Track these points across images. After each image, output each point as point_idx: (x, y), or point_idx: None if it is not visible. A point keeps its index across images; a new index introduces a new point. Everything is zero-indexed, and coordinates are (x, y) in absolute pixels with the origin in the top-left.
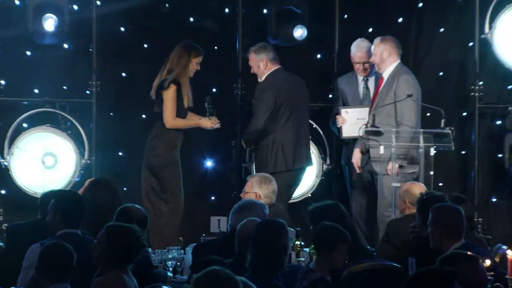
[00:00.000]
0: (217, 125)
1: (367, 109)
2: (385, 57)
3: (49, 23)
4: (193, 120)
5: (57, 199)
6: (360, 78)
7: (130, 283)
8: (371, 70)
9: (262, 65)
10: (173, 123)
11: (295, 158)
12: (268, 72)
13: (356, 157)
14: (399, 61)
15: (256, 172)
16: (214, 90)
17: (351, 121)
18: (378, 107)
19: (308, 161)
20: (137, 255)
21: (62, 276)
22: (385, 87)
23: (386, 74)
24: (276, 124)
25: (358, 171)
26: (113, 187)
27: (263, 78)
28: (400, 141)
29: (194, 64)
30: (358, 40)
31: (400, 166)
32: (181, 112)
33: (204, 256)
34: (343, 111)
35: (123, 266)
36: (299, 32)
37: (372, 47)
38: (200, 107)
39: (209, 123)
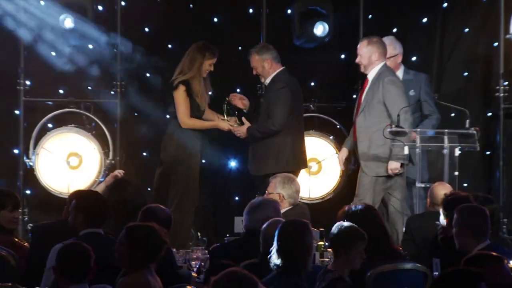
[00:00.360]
0: (236, 127)
1: None
2: (374, 60)
3: (68, 22)
4: (210, 122)
5: (78, 200)
6: None
7: (154, 283)
8: (394, 68)
9: (267, 65)
10: (189, 123)
11: (296, 160)
12: (276, 72)
13: (342, 155)
14: (384, 62)
15: (256, 170)
16: (238, 90)
17: None
18: (366, 109)
19: (305, 164)
20: (159, 254)
21: (80, 276)
22: (371, 89)
23: (370, 76)
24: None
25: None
26: (138, 187)
27: (270, 78)
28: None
29: (207, 66)
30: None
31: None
32: (194, 112)
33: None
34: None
35: (146, 266)
36: (320, 29)
37: (359, 48)
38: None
39: (226, 125)
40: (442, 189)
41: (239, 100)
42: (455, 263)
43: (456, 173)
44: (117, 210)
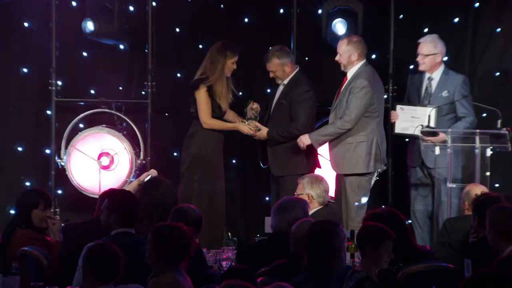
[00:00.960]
0: (255, 131)
1: (425, 108)
2: (353, 59)
3: (89, 26)
4: (230, 123)
5: (111, 199)
6: (427, 75)
7: (184, 283)
8: (432, 67)
9: (288, 68)
10: (210, 123)
11: (311, 162)
12: (294, 73)
13: None
14: (364, 61)
15: (281, 170)
16: (268, 90)
17: (405, 118)
18: (338, 107)
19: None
20: (186, 254)
21: (107, 277)
22: (345, 88)
23: (349, 74)
24: None
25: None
26: (170, 187)
27: (289, 79)
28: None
29: (230, 65)
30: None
31: None
32: (215, 112)
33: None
34: (398, 107)
35: (175, 266)
36: (339, 27)
37: (339, 46)
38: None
39: (246, 128)
40: (478, 191)
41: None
42: (486, 264)
43: (488, 173)
44: (149, 210)
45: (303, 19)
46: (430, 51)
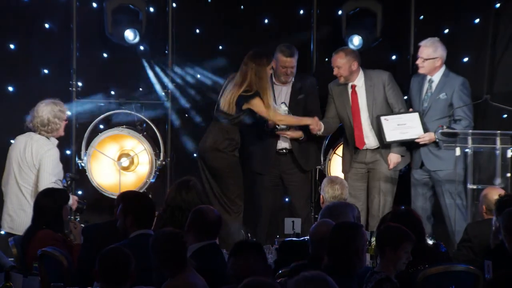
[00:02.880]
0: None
1: (409, 114)
2: (354, 69)
3: (129, 35)
4: (299, 118)
5: (124, 202)
6: (427, 77)
7: (198, 283)
8: (431, 70)
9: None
10: (281, 118)
11: None
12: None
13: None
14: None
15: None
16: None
17: (392, 127)
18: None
19: None
20: (185, 256)
21: (119, 282)
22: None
23: (359, 84)
24: None
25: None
26: (200, 194)
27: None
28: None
29: (269, 70)
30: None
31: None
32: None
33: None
34: (382, 118)
35: (182, 269)
36: (356, 41)
37: (336, 60)
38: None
39: (318, 125)
40: (495, 194)
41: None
42: (507, 266)
43: (509, 174)
44: (173, 213)
45: (323, 20)
46: (430, 55)
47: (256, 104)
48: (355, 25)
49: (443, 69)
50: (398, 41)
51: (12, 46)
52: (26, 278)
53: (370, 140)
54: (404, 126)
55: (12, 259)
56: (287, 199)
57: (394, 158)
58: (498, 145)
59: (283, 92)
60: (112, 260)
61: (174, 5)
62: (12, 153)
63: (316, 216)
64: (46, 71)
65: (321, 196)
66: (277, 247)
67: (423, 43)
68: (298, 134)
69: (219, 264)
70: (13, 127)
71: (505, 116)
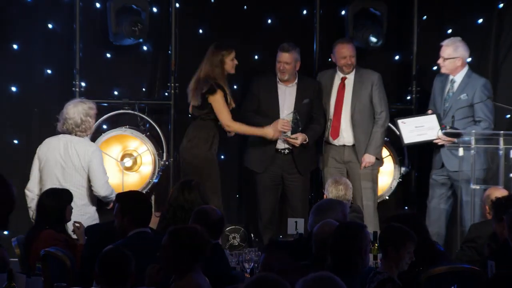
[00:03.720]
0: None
1: (426, 116)
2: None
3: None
4: (257, 129)
5: (121, 203)
6: (450, 77)
7: (203, 284)
8: (453, 70)
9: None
10: (235, 127)
11: None
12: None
13: None
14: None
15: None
16: None
17: (409, 129)
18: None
19: None
20: (203, 254)
21: (118, 282)
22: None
23: (350, 76)
24: None
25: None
26: (203, 195)
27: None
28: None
29: (230, 61)
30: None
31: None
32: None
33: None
34: (400, 121)
35: (194, 268)
36: (373, 39)
37: (351, 49)
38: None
39: (271, 132)
40: (498, 194)
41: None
42: (510, 266)
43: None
44: (175, 213)
45: (326, 20)
46: (450, 55)
47: (217, 100)
48: (358, 25)
49: (465, 69)
50: (402, 41)
51: (15, 46)
52: (29, 278)
53: (347, 135)
54: (422, 128)
55: (15, 259)
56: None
57: (367, 158)
58: (501, 145)
59: (287, 94)
60: (111, 261)
61: (177, 5)
62: (50, 156)
63: None
64: (49, 71)
65: (324, 196)
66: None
67: (444, 43)
68: (304, 139)
69: (222, 264)
70: (16, 127)
71: (508, 116)
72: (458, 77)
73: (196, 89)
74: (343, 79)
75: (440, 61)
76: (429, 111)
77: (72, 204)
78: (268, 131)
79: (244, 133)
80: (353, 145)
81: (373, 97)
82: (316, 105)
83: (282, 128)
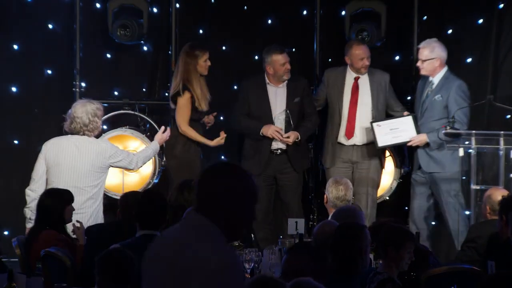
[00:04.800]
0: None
1: (400, 119)
2: None
3: None
4: (203, 138)
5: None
6: (429, 79)
7: None
8: (432, 71)
9: None
10: (186, 130)
11: None
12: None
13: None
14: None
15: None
16: None
17: (384, 132)
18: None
19: None
20: None
21: (119, 283)
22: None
23: (363, 76)
24: None
25: None
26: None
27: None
28: None
29: (202, 63)
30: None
31: None
32: (194, 115)
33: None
34: (375, 125)
35: None
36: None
37: (366, 52)
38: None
39: (214, 142)
40: (499, 195)
41: None
42: (510, 266)
43: None
44: (175, 213)
45: (326, 20)
46: (428, 56)
47: (182, 102)
48: (358, 25)
49: (444, 70)
50: (402, 41)
51: (15, 47)
52: (29, 279)
53: (360, 134)
54: (397, 130)
55: (16, 259)
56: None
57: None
58: (502, 145)
59: (279, 94)
60: (112, 262)
61: (177, 5)
62: (60, 158)
63: (319, 217)
64: (49, 71)
65: (325, 196)
66: (280, 247)
67: (421, 45)
68: (296, 136)
69: None
70: (16, 127)
71: (508, 116)
72: (436, 79)
73: (173, 90)
74: (356, 79)
75: (419, 63)
76: (405, 113)
77: (82, 204)
78: (213, 144)
79: (192, 138)
80: (363, 145)
81: (389, 97)
82: (306, 103)
83: (273, 135)
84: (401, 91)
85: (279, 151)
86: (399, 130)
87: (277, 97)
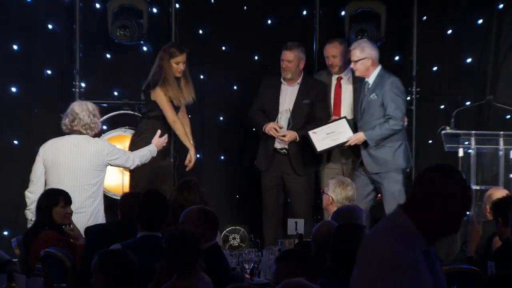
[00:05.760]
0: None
1: (335, 123)
2: (346, 60)
3: None
4: (187, 139)
5: (123, 205)
6: (366, 79)
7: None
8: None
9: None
10: (177, 126)
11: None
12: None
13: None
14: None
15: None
16: None
17: (321, 137)
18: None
19: None
20: (199, 255)
21: (118, 284)
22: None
23: (346, 76)
24: None
25: None
26: (202, 195)
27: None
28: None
29: (174, 64)
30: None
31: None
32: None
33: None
34: (310, 132)
35: (190, 270)
36: None
37: (333, 50)
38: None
39: (193, 153)
40: (500, 194)
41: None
42: (509, 266)
43: (511, 175)
44: (175, 213)
45: (326, 21)
46: (359, 57)
47: (159, 95)
48: (358, 25)
49: (378, 69)
50: (401, 41)
51: (15, 47)
52: (29, 279)
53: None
54: (333, 134)
55: (15, 259)
56: (289, 200)
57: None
58: (501, 145)
59: (288, 93)
60: (110, 262)
61: (177, 5)
62: (58, 159)
63: (318, 217)
64: (49, 72)
65: (327, 198)
66: (280, 247)
67: (351, 47)
68: (293, 136)
69: (221, 265)
70: (16, 128)
71: (508, 116)
72: (371, 79)
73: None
74: (338, 79)
75: (352, 65)
76: (333, 117)
77: (83, 203)
78: (192, 150)
79: (178, 135)
80: (351, 146)
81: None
82: (318, 107)
83: (269, 132)
84: None
85: (284, 151)
86: (335, 133)
87: (287, 96)
